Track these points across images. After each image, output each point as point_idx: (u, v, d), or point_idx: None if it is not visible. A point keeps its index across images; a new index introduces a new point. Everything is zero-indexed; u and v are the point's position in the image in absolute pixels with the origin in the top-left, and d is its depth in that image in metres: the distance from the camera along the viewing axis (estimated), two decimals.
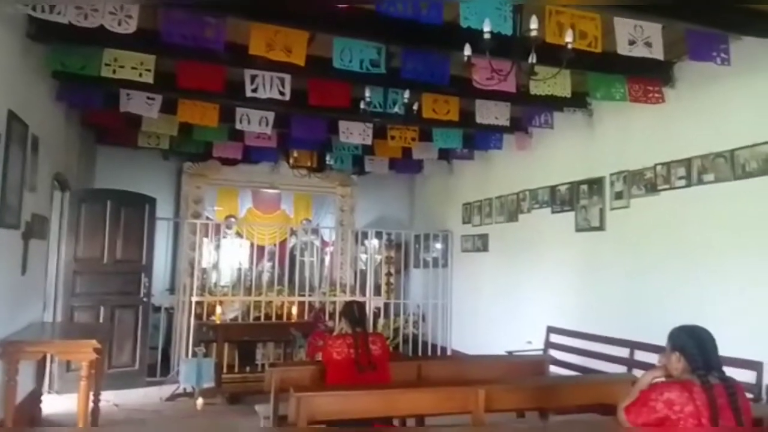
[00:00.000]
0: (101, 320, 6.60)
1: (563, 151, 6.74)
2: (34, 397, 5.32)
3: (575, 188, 6.47)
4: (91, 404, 4.83)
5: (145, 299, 7.00)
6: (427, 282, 9.28)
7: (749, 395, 3.31)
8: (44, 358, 5.44)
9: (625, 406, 2.42)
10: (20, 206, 4.53)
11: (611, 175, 5.98)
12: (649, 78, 5.25)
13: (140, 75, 4.76)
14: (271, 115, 6.00)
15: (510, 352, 6.16)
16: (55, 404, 5.75)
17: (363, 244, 9.53)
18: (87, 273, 6.63)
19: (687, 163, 5.11)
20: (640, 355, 5.27)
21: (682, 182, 5.16)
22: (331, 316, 7.75)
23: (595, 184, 6.18)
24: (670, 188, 5.28)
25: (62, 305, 6.45)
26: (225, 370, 6.72)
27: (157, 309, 7.54)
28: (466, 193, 8.86)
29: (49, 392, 6.03)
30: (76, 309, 6.54)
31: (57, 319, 6.34)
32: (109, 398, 5.93)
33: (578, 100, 5.90)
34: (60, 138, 6.00)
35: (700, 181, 4.99)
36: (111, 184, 7.47)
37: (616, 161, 5.90)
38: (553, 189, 6.85)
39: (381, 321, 8.62)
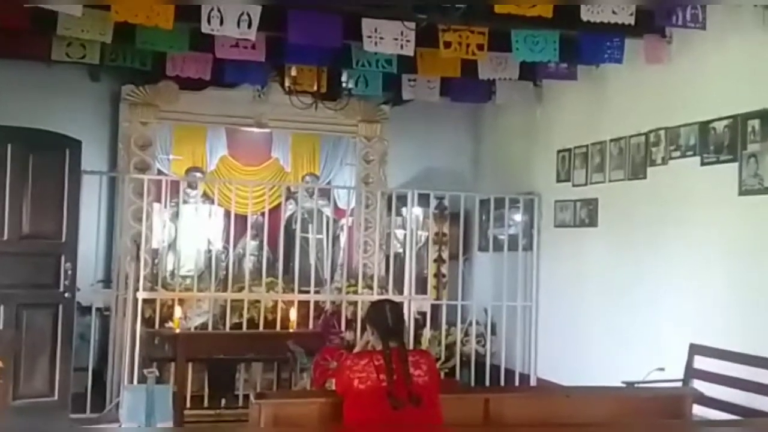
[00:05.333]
0: (1, 325, 6.80)
1: (721, 66, 6.60)
2: None
3: (740, 125, 6.34)
4: None
5: (67, 295, 7.18)
6: (499, 274, 9.24)
7: None
8: None
9: None
10: None
11: None
12: None
13: None
14: (256, 10, 6.01)
15: (630, 384, 6.16)
16: None
17: (400, 213, 9.55)
18: None
19: None
20: None
21: None
22: (350, 323, 7.85)
23: None
24: None
25: None
26: (189, 403, 6.90)
27: (86, 310, 7.72)
28: (562, 133, 8.78)
29: None
30: None
31: None
32: None
33: None
34: None
35: None
36: (13, 120, 7.57)
37: None
38: (704, 126, 6.73)
39: (427, 333, 8.69)
